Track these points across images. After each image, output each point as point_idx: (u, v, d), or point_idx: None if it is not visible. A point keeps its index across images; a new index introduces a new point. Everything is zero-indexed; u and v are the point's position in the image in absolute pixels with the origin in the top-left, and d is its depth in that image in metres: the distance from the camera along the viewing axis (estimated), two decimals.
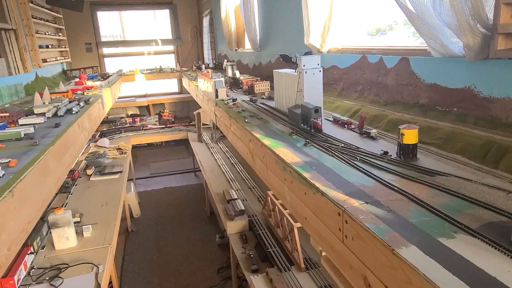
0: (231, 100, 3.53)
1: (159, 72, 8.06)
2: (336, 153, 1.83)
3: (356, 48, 2.98)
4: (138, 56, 10.23)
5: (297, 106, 2.49)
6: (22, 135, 2.40)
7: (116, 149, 6.57)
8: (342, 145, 1.95)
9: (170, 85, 10.60)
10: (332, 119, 2.56)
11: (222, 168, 5.65)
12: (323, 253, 2.00)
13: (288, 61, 3.01)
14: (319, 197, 1.44)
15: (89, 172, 5.59)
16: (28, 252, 3.30)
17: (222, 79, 4.09)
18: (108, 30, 10.03)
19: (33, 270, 3.24)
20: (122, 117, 9.63)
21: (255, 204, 4.46)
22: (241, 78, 4.46)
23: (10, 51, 4.88)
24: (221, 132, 7.74)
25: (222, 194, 4.65)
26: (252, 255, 3.50)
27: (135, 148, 9.60)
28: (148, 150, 10.13)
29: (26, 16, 5.14)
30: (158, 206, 6.88)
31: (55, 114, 3.15)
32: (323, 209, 1.42)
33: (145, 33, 10.15)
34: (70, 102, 3.76)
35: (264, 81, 3.92)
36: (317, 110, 2.22)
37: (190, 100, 9.58)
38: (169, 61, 10.16)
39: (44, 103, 3.54)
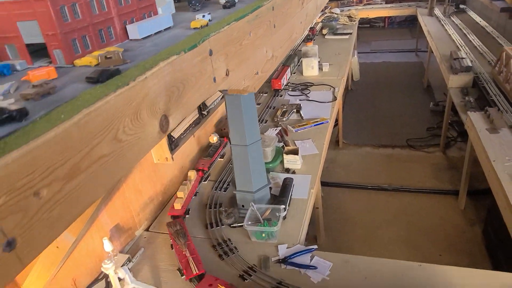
0: None
1: None
2: None
3: None
4: None
5: None
6: None
7: (347, 16, 7.19)
8: None
9: None
10: None
11: (452, 36, 5.53)
12: None
13: None
14: None
15: (324, 31, 6.51)
16: (287, 70, 4.51)
17: None
18: None
19: (289, 84, 4.46)
20: None
21: (485, 65, 4.40)
22: None
23: None
24: (455, 8, 7.22)
25: (449, 55, 4.73)
26: (471, 101, 3.71)
27: (357, 28, 10.07)
28: (370, 30, 10.39)
29: None
30: (376, 75, 7.43)
31: None
32: None
33: None
34: None
35: None
36: None
37: None
38: None
39: None
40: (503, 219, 2.42)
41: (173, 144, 2.48)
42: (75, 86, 0.71)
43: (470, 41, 5.27)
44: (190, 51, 0.74)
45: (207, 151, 2.92)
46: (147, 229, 2.34)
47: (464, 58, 4.41)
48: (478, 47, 4.98)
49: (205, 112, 2.95)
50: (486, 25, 5.83)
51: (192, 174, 2.57)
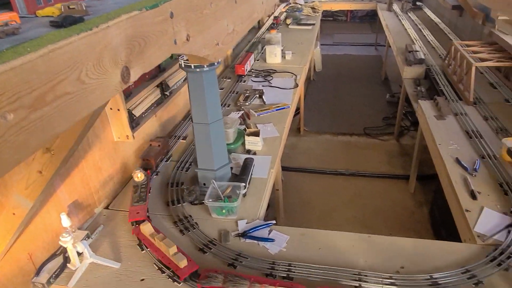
0: None
1: None
2: None
3: None
4: None
5: None
6: None
7: (310, 7, 7.34)
8: None
9: None
10: None
11: (408, 31, 5.82)
12: (499, 17, 2.33)
13: None
14: None
15: (288, 21, 6.62)
16: (251, 57, 4.56)
17: None
18: None
19: (253, 70, 4.52)
20: None
21: (436, 59, 4.68)
22: None
23: None
24: (412, 4, 7.59)
25: (404, 48, 4.98)
26: (422, 91, 3.95)
27: (321, 21, 10.31)
28: (333, 23, 10.65)
29: None
30: (338, 67, 7.67)
31: None
32: None
33: None
34: None
35: None
36: None
37: None
38: None
39: None
40: (446, 200, 2.63)
41: (134, 123, 2.47)
42: (39, 30, 0.73)
43: (424, 36, 5.57)
44: (152, 9, 0.78)
45: (136, 194, 2.24)
46: (106, 207, 2.33)
47: (418, 51, 4.67)
48: (431, 41, 5.28)
49: (167, 93, 2.95)
50: (440, 22, 6.19)
51: (147, 229, 1.99)
